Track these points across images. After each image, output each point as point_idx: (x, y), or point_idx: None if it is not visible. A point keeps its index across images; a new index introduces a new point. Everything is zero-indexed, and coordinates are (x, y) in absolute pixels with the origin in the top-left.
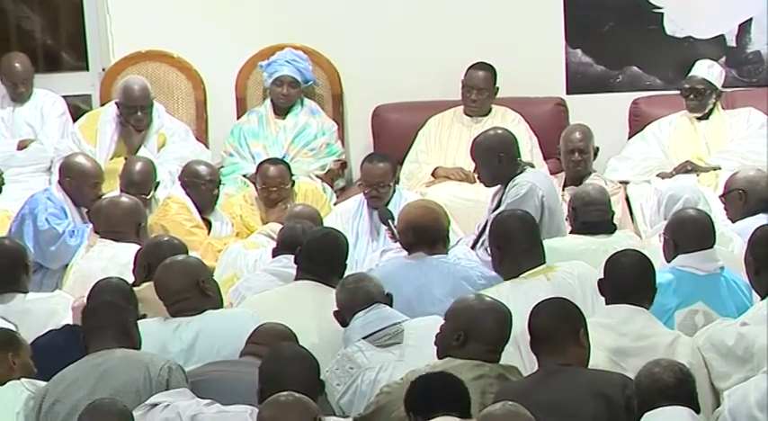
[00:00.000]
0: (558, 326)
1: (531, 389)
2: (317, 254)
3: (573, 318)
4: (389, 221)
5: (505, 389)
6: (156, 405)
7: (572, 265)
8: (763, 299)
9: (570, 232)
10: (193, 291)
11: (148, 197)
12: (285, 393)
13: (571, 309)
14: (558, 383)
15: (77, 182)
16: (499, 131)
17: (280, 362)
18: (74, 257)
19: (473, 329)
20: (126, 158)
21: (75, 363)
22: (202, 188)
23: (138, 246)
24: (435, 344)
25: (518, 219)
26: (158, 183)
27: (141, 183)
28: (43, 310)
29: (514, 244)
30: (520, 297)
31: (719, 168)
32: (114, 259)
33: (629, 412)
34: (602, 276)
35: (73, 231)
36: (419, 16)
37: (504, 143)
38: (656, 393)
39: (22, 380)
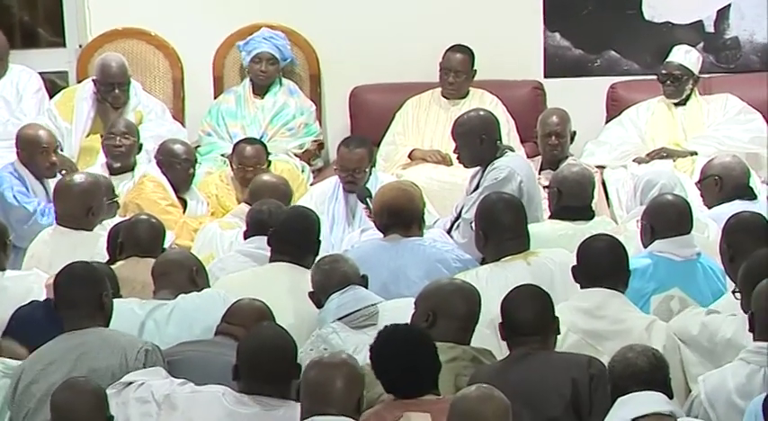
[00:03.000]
0: (532, 316)
1: (504, 372)
2: (288, 234)
3: (546, 308)
4: (367, 199)
5: (479, 372)
6: (129, 383)
7: (554, 252)
8: (736, 285)
9: (549, 217)
10: (185, 279)
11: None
12: (328, 356)
13: (544, 297)
14: (530, 367)
15: (28, 152)
16: (482, 113)
17: (257, 342)
18: None
19: (441, 308)
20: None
21: (52, 342)
22: (178, 167)
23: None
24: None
25: (507, 204)
26: (141, 145)
27: None
28: (20, 288)
29: (501, 229)
30: (500, 280)
31: (696, 154)
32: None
33: (591, 390)
34: (575, 262)
35: (44, 210)
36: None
37: (487, 125)
38: (630, 378)
39: None
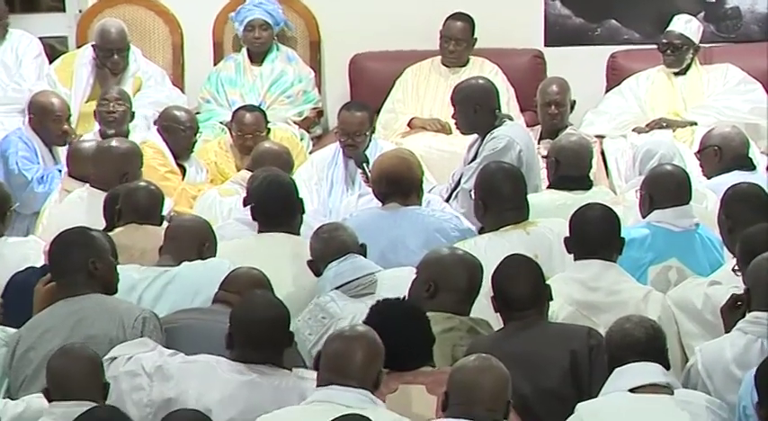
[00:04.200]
0: (527, 291)
1: (502, 342)
2: (268, 207)
3: (538, 280)
4: (364, 165)
5: (477, 342)
6: (115, 358)
7: (553, 222)
8: (735, 257)
9: (548, 187)
10: (194, 251)
11: None
12: (349, 328)
13: (535, 269)
14: (528, 338)
15: (40, 118)
16: (480, 81)
17: (249, 310)
18: (45, 203)
19: (443, 280)
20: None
21: (49, 309)
22: (181, 134)
23: None
24: (408, 295)
25: (507, 173)
26: (133, 113)
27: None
28: (16, 254)
29: (501, 199)
30: (499, 250)
31: (695, 124)
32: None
33: (591, 359)
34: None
35: (42, 177)
36: None
37: (482, 94)
38: (627, 349)
39: None
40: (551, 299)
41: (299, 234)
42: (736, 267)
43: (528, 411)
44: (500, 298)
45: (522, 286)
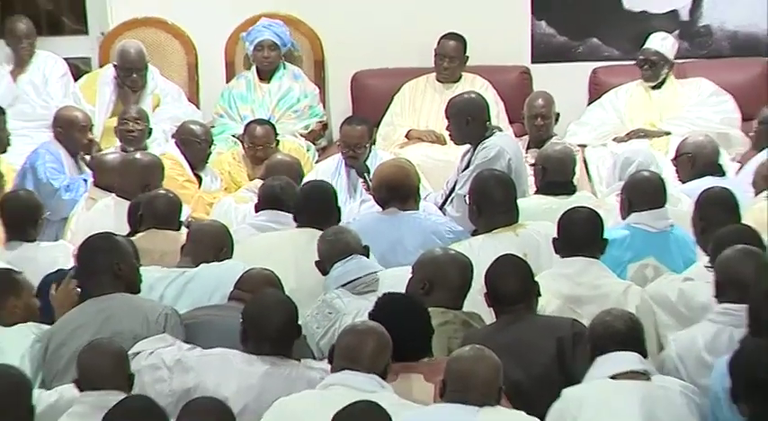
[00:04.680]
0: (516, 287)
1: (495, 334)
2: (310, 206)
3: (527, 277)
4: (365, 175)
5: (472, 334)
6: (138, 353)
7: (540, 225)
8: (707, 255)
9: (535, 192)
10: (211, 254)
11: None
12: (361, 323)
13: (524, 267)
14: (519, 329)
15: (66, 130)
16: (472, 96)
17: (261, 307)
18: (72, 209)
19: (437, 278)
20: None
21: (79, 307)
22: (197, 146)
23: None
24: (405, 292)
25: (498, 180)
26: (151, 130)
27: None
28: (48, 258)
29: (493, 203)
30: (491, 250)
31: (670, 134)
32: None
33: (575, 347)
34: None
35: (68, 186)
36: None
37: (474, 107)
38: (608, 339)
39: (29, 324)
40: (539, 294)
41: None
42: (709, 264)
43: (520, 396)
44: (492, 294)
45: (513, 283)
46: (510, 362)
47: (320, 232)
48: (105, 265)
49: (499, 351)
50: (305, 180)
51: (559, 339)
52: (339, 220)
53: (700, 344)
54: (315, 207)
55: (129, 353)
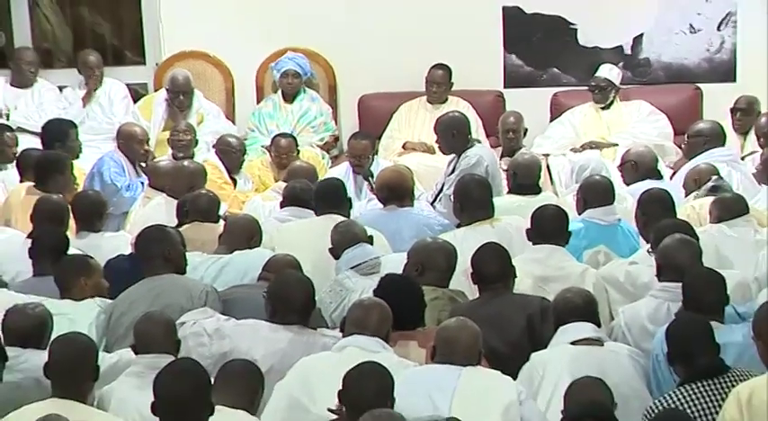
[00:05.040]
0: (496, 268)
1: (478, 307)
2: (326, 195)
3: (506, 261)
4: (369, 179)
5: (458, 307)
6: (184, 323)
7: (512, 219)
8: (648, 243)
9: (507, 192)
10: (244, 241)
11: None
12: (367, 299)
13: (504, 253)
14: (497, 304)
15: (126, 142)
16: (456, 114)
17: (284, 285)
18: (132, 205)
19: (428, 262)
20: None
21: (136, 286)
22: (233, 155)
23: None
24: (402, 274)
25: (478, 183)
26: (197, 140)
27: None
28: (110, 246)
29: (473, 202)
30: (472, 240)
31: (617, 145)
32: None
33: (542, 320)
34: (529, 225)
35: (128, 186)
36: (397, 27)
37: (458, 123)
38: (568, 312)
39: (96, 299)
40: (515, 275)
41: (349, 216)
42: (650, 251)
43: (497, 359)
44: (477, 274)
45: (494, 266)
46: (490, 331)
47: (337, 217)
48: (158, 251)
49: (481, 322)
50: None
51: (530, 315)
52: (351, 207)
53: (643, 315)
54: (328, 197)
55: (177, 322)
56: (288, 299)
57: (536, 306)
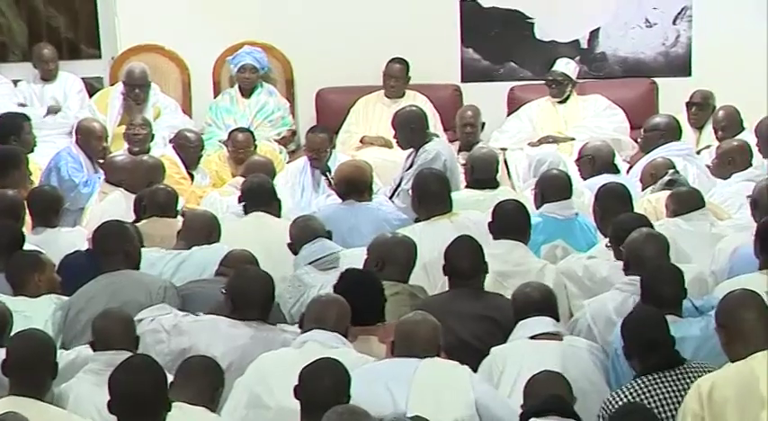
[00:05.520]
0: (469, 265)
1: (448, 302)
2: (257, 194)
3: (479, 258)
4: (327, 173)
5: (429, 301)
6: (142, 319)
7: (470, 213)
8: (606, 238)
9: (465, 187)
10: (203, 237)
11: None
12: (325, 295)
13: (478, 250)
14: (468, 300)
15: (85, 137)
16: (413, 108)
17: (245, 280)
18: (89, 201)
19: (388, 257)
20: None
21: (93, 282)
22: (191, 150)
23: None
24: (363, 268)
25: (435, 177)
26: (153, 135)
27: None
28: (67, 241)
29: (431, 196)
30: (430, 234)
31: (574, 139)
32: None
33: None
34: (490, 219)
35: (86, 182)
36: (354, 21)
37: (416, 118)
38: (528, 307)
39: (51, 295)
40: (486, 272)
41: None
42: (608, 244)
43: (465, 350)
44: (449, 267)
45: (466, 262)
46: (459, 323)
47: (263, 215)
48: (118, 247)
49: (451, 316)
50: (277, 177)
51: (496, 313)
52: (280, 207)
53: (610, 308)
54: (258, 197)
55: (135, 319)
56: (248, 294)
57: (505, 306)
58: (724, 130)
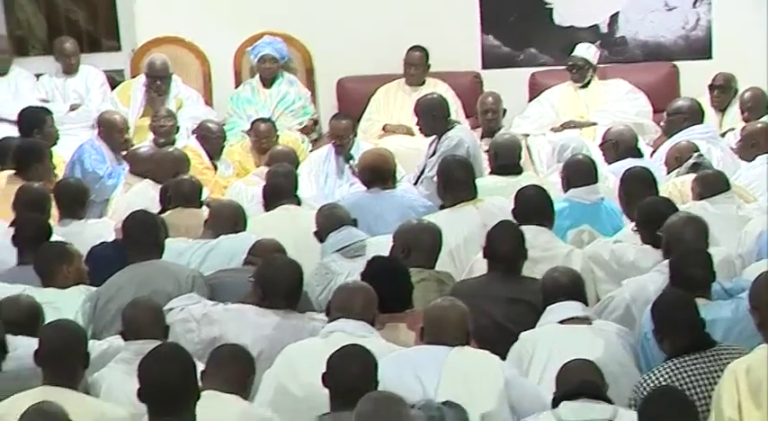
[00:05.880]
0: (509, 249)
1: (485, 285)
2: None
3: (519, 243)
4: (350, 161)
5: (462, 284)
6: (171, 309)
7: (495, 199)
8: (632, 222)
9: (489, 173)
10: (229, 226)
11: None
12: (352, 282)
13: (519, 234)
14: (505, 284)
15: (107, 130)
16: (435, 96)
17: (274, 268)
18: (113, 192)
19: (414, 244)
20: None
21: (121, 272)
22: (213, 140)
23: None
24: (389, 256)
25: (460, 164)
26: (178, 127)
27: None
28: (93, 233)
29: (456, 183)
30: (455, 220)
31: (596, 124)
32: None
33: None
34: (513, 206)
35: (110, 174)
36: (373, 9)
37: (437, 105)
38: (556, 291)
39: (80, 286)
40: (526, 257)
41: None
42: (635, 228)
43: (501, 332)
44: (489, 250)
45: (506, 246)
46: (496, 307)
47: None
48: (151, 237)
49: (488, 300)
50: (301, 166)
51: (530, 297)
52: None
53: (650, 289)
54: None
55: (164, 308)
56: (277, 283)
57: (536, 289)
58: (750, 111)
